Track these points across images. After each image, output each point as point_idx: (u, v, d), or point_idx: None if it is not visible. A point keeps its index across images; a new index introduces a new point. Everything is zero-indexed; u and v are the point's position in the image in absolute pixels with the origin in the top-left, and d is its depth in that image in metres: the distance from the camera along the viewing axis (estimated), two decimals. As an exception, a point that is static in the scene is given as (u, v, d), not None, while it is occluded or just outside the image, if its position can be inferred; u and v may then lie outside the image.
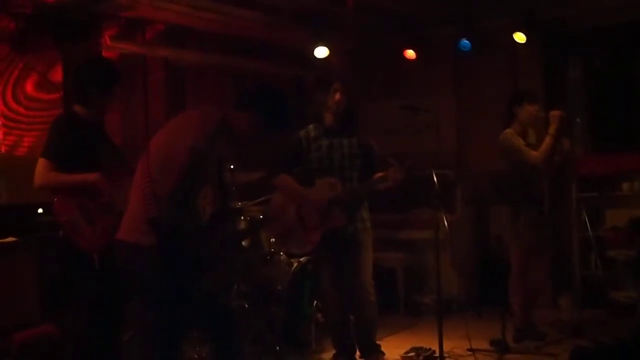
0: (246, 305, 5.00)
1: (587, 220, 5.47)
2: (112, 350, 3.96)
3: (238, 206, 5.19)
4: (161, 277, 3.00)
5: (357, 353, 4.76)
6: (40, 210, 4.83)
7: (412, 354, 4.93)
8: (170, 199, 2.96)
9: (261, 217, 5.17)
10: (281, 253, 5.30)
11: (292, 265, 5.21)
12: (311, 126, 4.68)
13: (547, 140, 5.05)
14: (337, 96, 4.54)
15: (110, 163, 3.91)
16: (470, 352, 4.84)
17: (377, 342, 4.78)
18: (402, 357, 4.91)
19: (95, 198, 3.79)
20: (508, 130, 5.19)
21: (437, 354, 4.58)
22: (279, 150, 4.62)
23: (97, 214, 3.80)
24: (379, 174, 4.47)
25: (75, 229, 3.76)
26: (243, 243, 5.19)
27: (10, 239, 4.85)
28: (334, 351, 4.80)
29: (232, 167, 5.01)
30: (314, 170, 4.60)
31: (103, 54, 5.46)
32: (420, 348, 4.94)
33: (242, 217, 5.20)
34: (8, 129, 5.33)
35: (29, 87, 5.45)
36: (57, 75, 5.53)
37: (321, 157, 4.59)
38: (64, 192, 3.81)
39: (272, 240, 5.28)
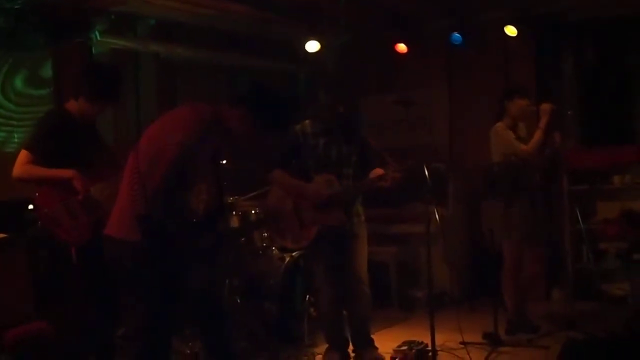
0: (238, 300, 5.00)
1: (578, 213, 5.48)
2: (105, 346, 3.96)
3: (230, 201, 5.19)
4: (149, 273, 2.99)
5: (350, 347, 4.77)
6: (30, 207, 4.81)
7: (404, 347, 4.92)
8: (159, 194, 2.95)
9: (257, 216, 5.17)
10: (273, 248, 5.30)
11: (285, 260, 5.21)
12: (307, 122, 4.65)
13: (537, 134, 5.07)
14: (340, 108, 4.53)
15: (98, 162, 3.89)
16: (463, 346, 4.84)
17: (371, 335, 4.79)
18: (394, 350, 4.90)
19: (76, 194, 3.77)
20: (498, 124, 5.20)
21: (429, 348, 4.59)
22: (272, 146, 4.60)
23: (80, 209, 3.78)
24: (377, 171, 4.47)
25: (56, 222, 3.75)
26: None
27: (1, 235, 4.83)
28: (326, 345, 4.80)
29: (224, 162, 5.01)
30: (310, 167, 4.58)
31: (93, 49, 5.44)
32: (413, 342, 4.94)
33: (235, 212, 5.20)
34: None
35: (19, 83, 5.43)
36: (47, 70, 5.51)
37: (318, 154, 4.57)
38: (49, 185, 3.79)
39: (265, 234, 5.28)
